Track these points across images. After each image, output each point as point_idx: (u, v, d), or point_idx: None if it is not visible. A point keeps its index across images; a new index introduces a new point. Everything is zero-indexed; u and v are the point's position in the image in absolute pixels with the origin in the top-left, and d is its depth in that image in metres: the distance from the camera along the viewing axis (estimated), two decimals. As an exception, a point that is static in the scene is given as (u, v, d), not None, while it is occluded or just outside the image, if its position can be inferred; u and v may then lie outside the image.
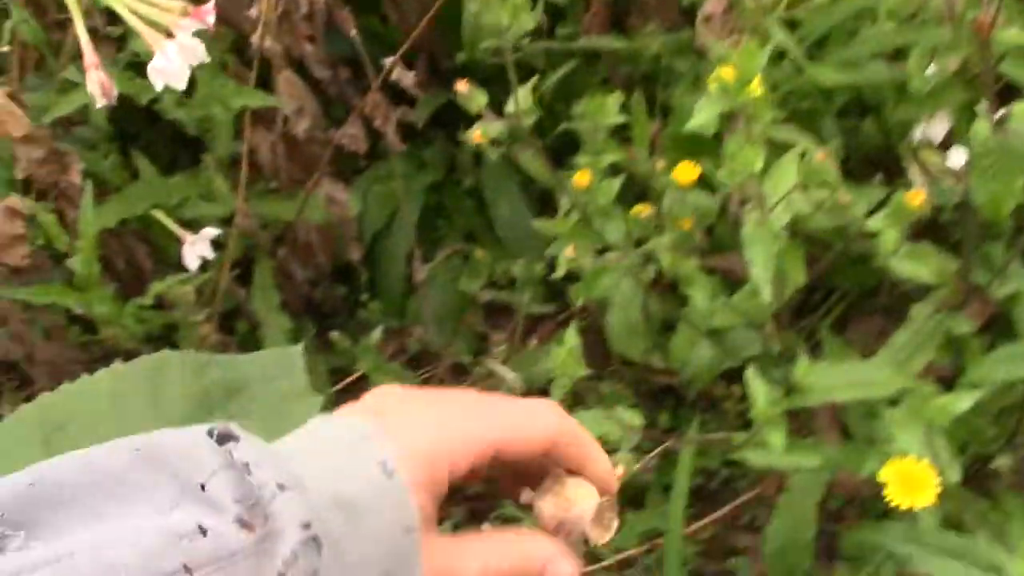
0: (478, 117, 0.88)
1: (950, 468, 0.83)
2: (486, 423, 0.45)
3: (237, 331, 1.66)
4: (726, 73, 0.78)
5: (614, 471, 0.53)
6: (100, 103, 0.92)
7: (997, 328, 1.47)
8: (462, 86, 0.85)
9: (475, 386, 1.67)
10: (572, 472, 0.51)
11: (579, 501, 0.50)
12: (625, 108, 1.32)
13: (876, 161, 1.64)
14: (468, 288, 1.62)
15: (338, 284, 1.77)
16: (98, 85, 0.90)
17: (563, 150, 1.75)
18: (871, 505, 1.50)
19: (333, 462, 0.39)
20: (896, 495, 0.76)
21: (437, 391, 0.48)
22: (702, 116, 0.74)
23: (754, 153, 0.73)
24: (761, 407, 0.87)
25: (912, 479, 0.76)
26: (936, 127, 1.29)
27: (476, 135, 0.81)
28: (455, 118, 1.91)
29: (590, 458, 0.51)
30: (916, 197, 0.85)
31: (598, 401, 1.63)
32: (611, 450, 1.60)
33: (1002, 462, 1.52)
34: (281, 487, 0.35)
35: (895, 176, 1.62)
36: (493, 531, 0.48)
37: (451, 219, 1.79)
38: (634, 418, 0.91)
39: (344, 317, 1.78)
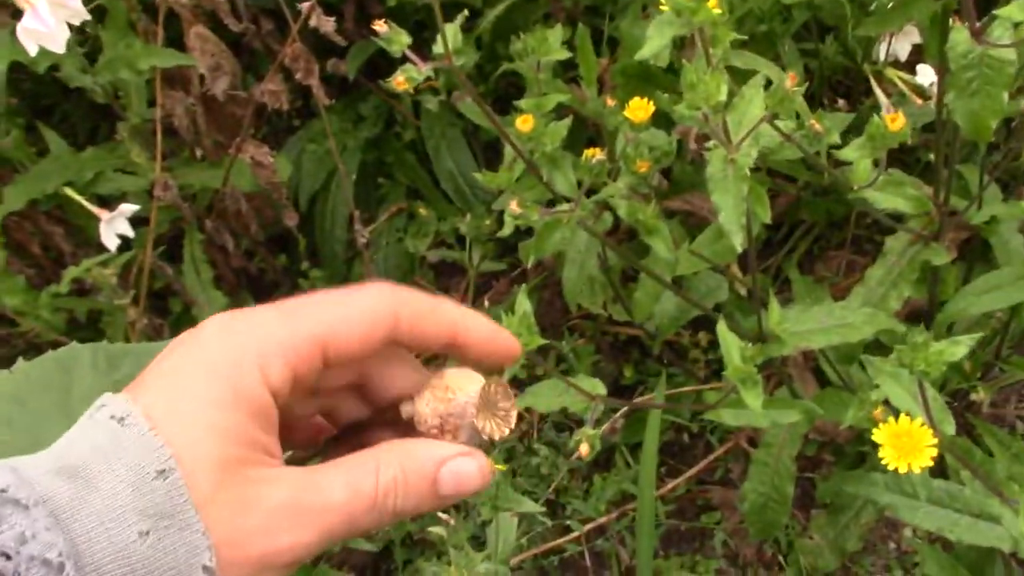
0: (406, 62, 0.78)
1: (944, 422, 0.76)
2: (298, 320, 0.39)
3: (170, 312, 1.55)
4: (678, -7, 0.68)
5: (500, 334, 0.44)
6: (-31, 72, 0.80)
7: (970, 256, 1.40)
8: (380, 26, 0.75)
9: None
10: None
11: (460, 388, 0.42)
12: (569, 44, 1.22)
13: (836, 85, 1.56)
14: (415, 248, 1.52)
15: (277, 253, 1.66)
16: (-38, 51, 0.78)
17: (509, 95, 1.65)
18: (846, 449, 1.44)
19: (66, 439, 0.36)
20: (891, 457, 0.68)
21: (262, 305, 0.40)
22: (654, 42, 0.65)
23: (717, 82, 0.64)
24: (736, 364, 0.79)
25: (907, 440, 0.68)
26: (902, 44, 1.20)
27: (398, 81, 0.71)
28: (391, 68, 1.81)
29: (457, 325, 0.43)
30: (895, 121, 0.76)
31: (556, 362, 1.54)
32: (575, 423, 1.52)
33: (980, 395, 1.47)
34: None
35: (857, 100, 1.54)
36: (364, 450, 0.40)
37: (392, 176, 1.68)
38: (597, 387, 0.82)
39: (286, 288, 1.68)
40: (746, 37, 0.78)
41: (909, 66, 1.27)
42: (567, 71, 1.43)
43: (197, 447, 0.36)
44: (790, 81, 0.67)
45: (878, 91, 1.23)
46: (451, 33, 0.77)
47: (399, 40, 0.75)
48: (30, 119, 1.57)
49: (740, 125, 0.73)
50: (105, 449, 0.35)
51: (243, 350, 0.38)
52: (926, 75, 1.21)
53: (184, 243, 1.48)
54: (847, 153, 0.80)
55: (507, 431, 0.43)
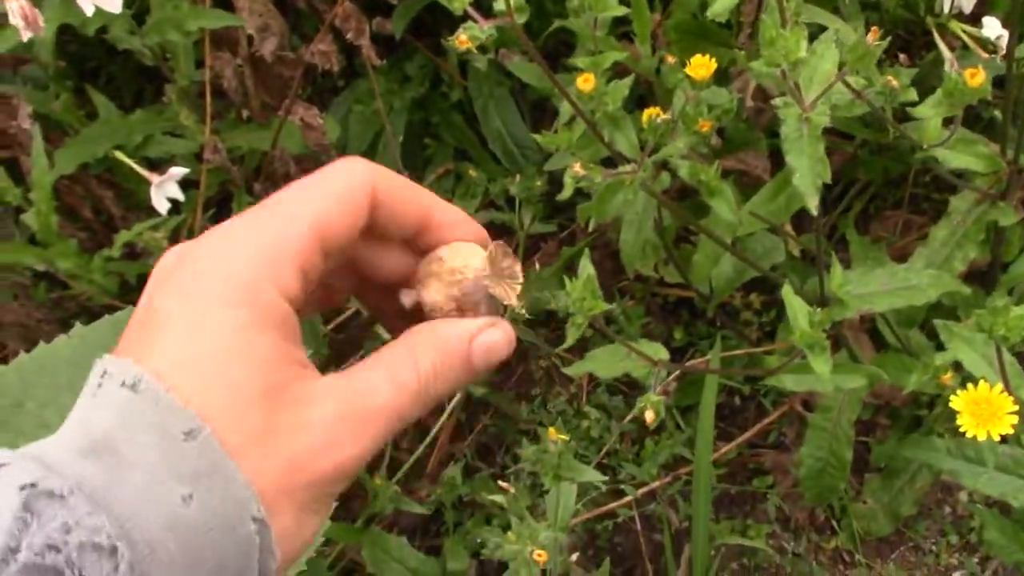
0: (462, 20, 0.76)
1: (1022, 388, 0.74)
2: (293, 219, 0.38)
3: (219, 275, 1.55)
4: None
5: (469, 219, 0.44)
6: (25, 35, 0.80)
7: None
8: (440, -16, 0.73)
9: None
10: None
11: (467, 266, 0.42)
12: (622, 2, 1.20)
13: (896, 39, 1.52)
14: (464, 209, 1.51)
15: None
16: (18, 14, 0.77)
17: (555, 54, 1.62)
18: (902, 413, 1.42)
19: (78, 415, 0.34)
20: (969, 425, 0.66)
21: (234, 218, 0.39)
22: (722, 1, 0.62)
23: (797, 37, 0.61)
24: (804, 329, 0.77)
25: (985, 407, 0.66)
26: (968, -4, 1.16)
27: (461, 39, 0.69)
28: (437, 26, 1.78)
29: (432, 206, 0.42)
30: (975, 76, 0.73)
31: (606, 323, 1.53)
32: (626, 386, 1.51)
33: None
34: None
35: (917, 54, 1.50)
36: (396, 340, 0.40)
37: (439, 137, 1.66)
38: (659, 351, 0.81)
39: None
40: (817, -10, 0.76)
41: (973, 18, 1.23)
42: (617, 27, 1.40)
43: (225, 392, 0.34)
44: (872, 36, 0.65)
45: (941, 45, 1.18)
46: (512, -10, 0.75)
47: (460, -2, 0.73)
48: (78, 82, 1.57)
49: (811, 82, 0.71)
50: (125, 420, 0.33)
51: (252, 265, 0.36)
52: (992, 28, 1.17)
53: (233, 206, 1.47)
54: (923, 110, 0.77)
55: (519, 288, 0.43)
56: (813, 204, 0.71)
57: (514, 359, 1.60)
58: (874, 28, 0.65)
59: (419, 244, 0.43)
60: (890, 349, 1.22)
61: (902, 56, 1.33)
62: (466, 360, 0.40)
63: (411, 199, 0.42)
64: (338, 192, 0.39)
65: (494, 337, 0.41)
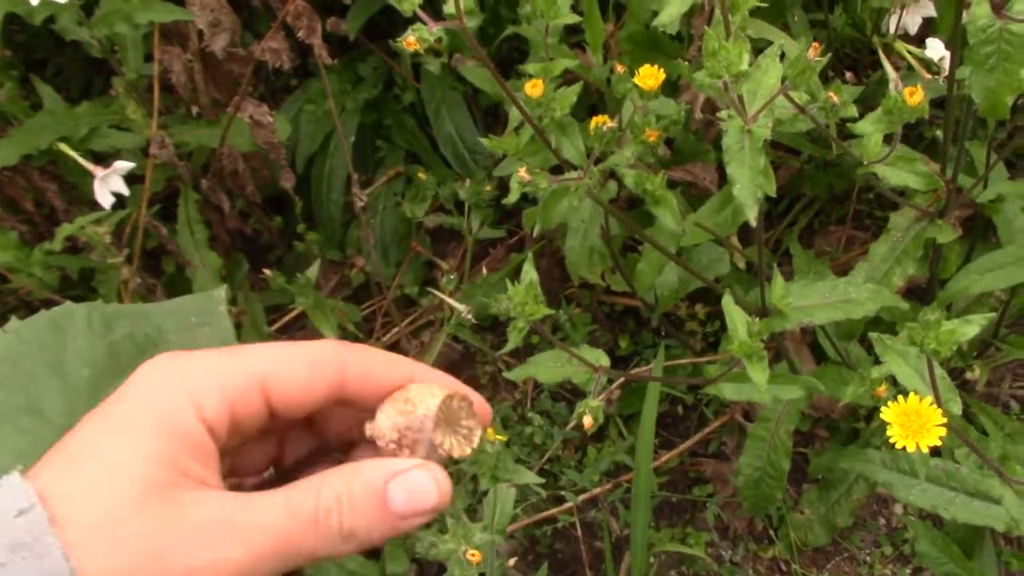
0: (414, 22, 0.76)
1: (951, 402, 0.75)
2: (238, 358, 0.39)
3: (164, 272, 1.54)
4: (694, -40, 0.67)
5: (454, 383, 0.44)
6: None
7: (973, 233, 1.40)
8: (390, -15, 0.73)
9: (424, 319, 1.57)
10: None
11: (420, 401, 0.41)
12: (574, 8, 1.20)
13: (843, 57, 1.54)
14: (412, 213, 1.50)
15: (273, 215, 1.64)
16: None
17: (508, 60, 1.63)
18: (840, 425, 1.44)
19: None
20: (898, 436, 0.68)
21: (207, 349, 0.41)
22: (672, 9, 0.63)
23: (739, 50, 0.62)
24: (742, 339, 0.78)
25: (915, 419, 0.67)
26: (913, 16, 1.19)
27: (408, 41, 0.69)
28: (392, 28, 1.78)
29: (414, 378, 0.42)
30: (914, 95, 0.75)
31: (553, 331, 1.53)
32: (570, 393, 1.51)
33: (975, 374, 1.47)
34: None
35: (863, 73, 1.53)
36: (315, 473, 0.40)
37: (391, 139, 1.66)
38: (600, 358, 0.81)
39: (282, 251, 1.66)
40: (764, 5, 0.76)
41: (918, 39, 1.25)
42: (571, 36, 1.41)
43: (94, 485, 0.35)
44: (812, 52, 0.66)
45: (887, 64, 1.21)
46: (462, -7, 0.75)
47: (410, -1, 0.73)
48: (24, 72, 1.54)
49: (755, 95, 0.72)
50: None
51: (176, 384, 0.38)
52: (935, 49, 1.19)
53: (179, 202, 1.46)
54: (863, 127, 0.79)
55: (468, 450, 0.41)
56: (752, 215, 0.72)
57: (460, 363, 1.60)
58: (815, 44, 0.66)
59: None
60: (829, 362, 1.24)
61: (848, 74, 1.35)
62: (381, 499, 0.38)
63: (387, 374, 0.41)
64: (297, 354, 0.40)
65: (418, 480, 0.39)
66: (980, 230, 1.36)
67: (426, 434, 0.40)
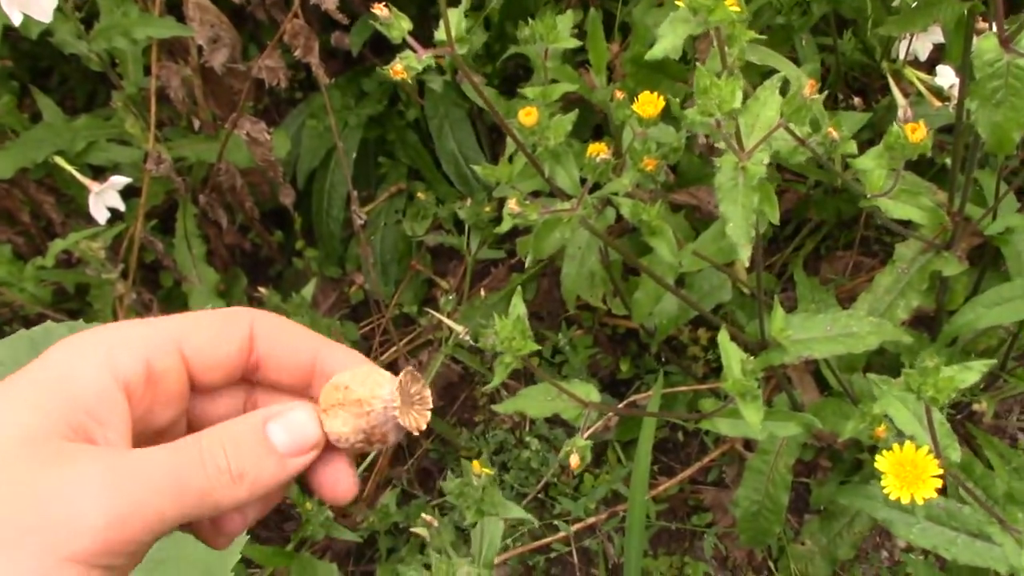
0: (403, 47, 0.74)
1: (950, 448, 0.73)
2: (151, 321, 0.41)
3: (160, 287, 1.52)
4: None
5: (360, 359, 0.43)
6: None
7: (981, 263, 1.37)
8: (380, 9, 0.71)
9: (423, 338, 1.55)
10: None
11: (374, 397, 0.40)
12: (580, 27, 1.18)
13: (852, 81, 1.52)
14: (413, 231, 1.49)
15: (272, 230, 1.63)
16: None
17: (514, 77, 1.61)
18: (843, 455, 1.41)
19: None
20: (893, 487, 0.65)
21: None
22: (666, 41, 0.61)
23: (732, 88, 0.60)
24: (736, 377, 0.76)
25: (911, 469, 0.65)
26: (923, 43, 1.16)
27: (395, 70, 0.67)
28: (397, 45, 1.76)
29: (320, 349, 0.42)
30: (916, 132, 0.72)
31: (552, 353, 1.51)
32: (569, 432, 1.49)
33: (982, 406, 1.44)
34: None
35: (873, 98, 1.50)
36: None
37: (394, 155, 1.64)
38: (590, 392, 0.79)
39: (281, 266, 1.65)
40: (764, 37, 0.74)
41: (928, 65, 1.23)
42: (576, 54, 1.39)
43: None
44: (808, 89, 0.64)
45: (895, 90, 1.19)
46: (455, 20, 0.73)
47: (399, 26, 0.71)
48: (28, 80, 1.53)
49: (753, 128, 0.70)
50: None
51: (88, 345, 0.39)
52: (946, 76, 1.17)
53: (177, 217, 1.44)
54: (863, 162, 0.76)
55: (428, 414, 0.41)
56: (745, 255, 0.70)
57: (458, 384, 1.58)
58: (811, 81, 0.64)
59: (312, 392, 0.43)
60: (832, 393, 1.22)
61: (857, 99, 1.33)
62: (264, 438, 0.39)
63: (296, 343, 0.42)
64: (209, 315, 0.42)
65: (297, 418, 0.40)
66: (989, 258, 1.33)
67: (391, 424, 0.40)
